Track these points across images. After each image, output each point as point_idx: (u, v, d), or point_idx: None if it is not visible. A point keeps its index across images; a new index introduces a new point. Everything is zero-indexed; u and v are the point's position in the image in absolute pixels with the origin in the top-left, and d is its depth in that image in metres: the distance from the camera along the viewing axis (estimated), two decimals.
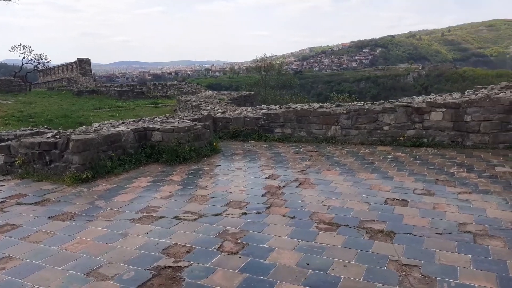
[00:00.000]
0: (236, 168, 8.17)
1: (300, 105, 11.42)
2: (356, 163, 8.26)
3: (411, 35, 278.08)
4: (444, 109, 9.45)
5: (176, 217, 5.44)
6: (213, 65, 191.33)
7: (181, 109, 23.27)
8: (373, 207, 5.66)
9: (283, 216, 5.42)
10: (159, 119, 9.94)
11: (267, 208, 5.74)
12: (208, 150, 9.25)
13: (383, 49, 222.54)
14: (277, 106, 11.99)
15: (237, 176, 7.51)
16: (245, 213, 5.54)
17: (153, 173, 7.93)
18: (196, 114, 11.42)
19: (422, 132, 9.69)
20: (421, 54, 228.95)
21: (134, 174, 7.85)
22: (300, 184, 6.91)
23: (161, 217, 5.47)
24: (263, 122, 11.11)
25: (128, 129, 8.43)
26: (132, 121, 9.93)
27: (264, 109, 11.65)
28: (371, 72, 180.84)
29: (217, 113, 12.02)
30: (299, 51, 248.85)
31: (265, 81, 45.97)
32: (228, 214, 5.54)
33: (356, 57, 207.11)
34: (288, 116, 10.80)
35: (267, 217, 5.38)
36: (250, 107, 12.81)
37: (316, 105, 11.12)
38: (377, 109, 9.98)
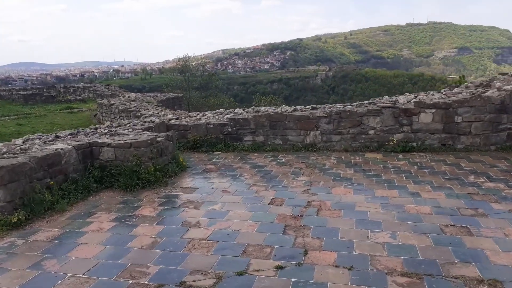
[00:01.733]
0: (222, 191, 6.40)
1: (265, 108, 9.91)
2: (360, 176, 6.99)
3: (317, 38, 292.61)
4: (433, 110, 8.64)
5: (182, 284, 3.60)
6: (122, 66, 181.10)
7: (104, 114, 20.35)
8: (436, 240, 4.37)
9: (335, 266, 3.87)
10: (105, 130, 7.71)
11: (304, 254, 4.14)
12: (174, 167, 7.31)
13: (292, 51, 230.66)
14: (242, 110, 10.34)
15: (231, 204, 5.77)
16: (280, 267, 3.88)
17: (111, 205, 5.84)
18: (146, 122, 9.31)
19: (411, 135, 8.79)
20: (327, 57, 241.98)
21: (85, 209, 5.69)
22: (318, 210, 5.40)
23: (159, 287, 3.58)
24: (229, 129, 9.39)
25: (69, 147, 6.19)
26: (69, 134, 7.56)
27: (228, 114, 9.93)
28: (283, 74, 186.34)
29: (170, 120, 9.99)
30: (213, 52, 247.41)
31: (188, 82, 43.60)
32: (257, 270, 3.84)
33: (268, 60, 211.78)
34: (260, 121, 9.23)
35: (314, 270, 3.79)
36: (209, 111, 10.95)
37: (288, 108, 9.70)
38: (362, 112, 8.87)
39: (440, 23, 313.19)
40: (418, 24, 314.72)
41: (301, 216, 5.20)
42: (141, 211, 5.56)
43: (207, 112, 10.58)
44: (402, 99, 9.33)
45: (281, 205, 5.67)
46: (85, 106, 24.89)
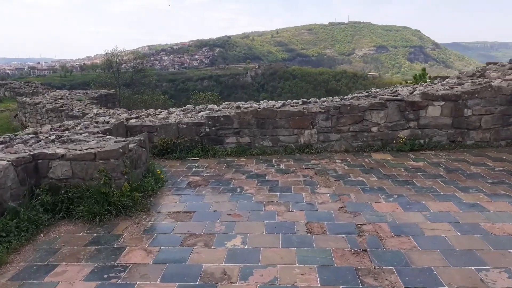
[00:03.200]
0: (230, 215, 4.71)
1: (248, 103, 8.26)
2: (390, 184, 5.69)
3: (245, 36, 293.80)
4: (442, 103, 7.64)
5: None
6: (38, 62, 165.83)
7: (28, 114, 17.20)
8: None
9: None
10: (51, 136, 5.55)
11: None
12: (150, 183, 5.45)
13: (221, 49, 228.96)
14: (221, 106, 8.56)
15: (254, 236, 4.13)
16: None
17: (78, 248, 3.92)
18: (100, 123, 7.21)
19: (418, 132, 7.72)
20: (255, 54, 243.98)
21: (38, 258, 3.72)
22: (380, 239, 3.97)
23: None
24: (207, 130, 7.61)
25: (3, 162, 4.10)
26: None
27: (202, 111, 8.10)
28: (213, 71, 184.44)
29: (128, 119, 7.94)
30: (138, 48, 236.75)
31: (117, 78, 40.03)
32: None
33: (197, 56, 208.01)
34: (246, 119, 7.57)
35: None
36: (175, 108, 8.95)
37: (275, 103, 8.15)
38: (364, 106, 7.61)
39: (359, 22, 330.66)
40: (340, 24, 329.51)
41: (365, 250, 3.73)
42: (127, 257, 3.71)
43: (173, 109, 8.63)
44: (402, 91, 8.23)
45: (324, 233, 4.15)
46: (2, 106, 21.15)
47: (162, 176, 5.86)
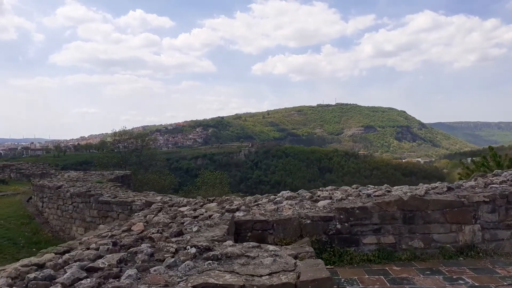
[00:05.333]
0: None
1: (386, 189, 6.45)
2: None
3: (238, 117, 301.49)
4: None
5: None
6: (32, 143, 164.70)
7: (46, 199, 15.04)
8: None
9: None
10: (173, 246, 3.59)
11: None
12: None
13: (214, 128, 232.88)
14: (337, 192, 6.68)
15: None
16: None
17: None
18: (204, 220, 5.27)
19: None
20: (248, 134, 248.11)
21: None
22: None
23: None
24: (339, 226, 5.70)
25: None
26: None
27: (322, 200, 6.22)
28: (207, 149, 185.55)
29: (229, 210, 5.99)
30: (132, 129, 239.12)
31: (125, 157, 38.36)
32: None
33: (191, 136, 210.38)
34: (388, 212, 5.73)
35: None
36: (280, 196, 6.96)
37: (407, 190, 6.35)
38: None
39: (346, 104, 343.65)
40: (328, 105, 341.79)
41: None
42: None
43: (280, 198, 6.67)
44: None
45: None
46: (10, 189, 18.97)
47: None
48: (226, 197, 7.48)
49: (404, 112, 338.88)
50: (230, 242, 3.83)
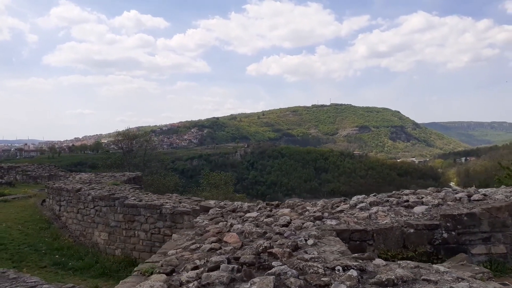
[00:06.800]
0: None
1: (485, 191, 5.82)
2: None
3: (233, 117, 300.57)
4: None
5: None
6: (26, 144, 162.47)
7: (64, 202, 14.23)
8: None
9: None
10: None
11: None
12: None
13: (210, 129, 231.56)
14: (425, 196, 6.02)
15: None
16: None
17: None
18: (306, 231, 4.61)
19: None
20: (243, 134, 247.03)
21: None
22: None
23: None
24: (445, 235, 5.08)
25: None
26: None
27: (418, 206, 5.57)
28: (203, 150, 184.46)
29: (322, 219, 5.33)
30: (127, 129, 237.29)
31: (128, 158, 37.55)
32: None
33: (186, 137, 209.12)
34: (499, 218, 5.12)
35: None
36: (357, 197, 6.27)
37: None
38: None
39: (341, 105, 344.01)
40: (323, 106, 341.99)
41: None
42: None
43: (357, 202, 6.00)
44: None
45: None
46: (20, 191, 18.09)
47: None
48: (291, 201, 6.82)
49: (398, 112, 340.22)
50: (381, 261, 3.18)
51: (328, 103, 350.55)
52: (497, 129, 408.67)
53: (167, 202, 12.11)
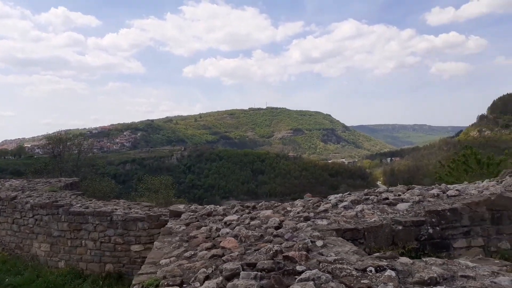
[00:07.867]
0: None
1: (464, 186, 6.00)
2: None
3: (168, 120, 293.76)
4: None
5: None
6: None
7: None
8: None
9: None
10: None
11: None
12: None
13: (143, 132, 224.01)
14: (408, 194, 6.08)
15: None
16: None
17: None
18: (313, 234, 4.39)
19: None
20: (180, 137, 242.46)
21: None
22: None
23: None
24: (430, 230, 5.14)
25: None
26: None
27: (402, 203, 5.60)
28: (136, 154, 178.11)
29: (311, 219, 5.14)
30: (54, 133, 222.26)
31: (59, 164, 34.92)
32: None
33: (117, 140, 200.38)
34: (478, 212, 5.30)
35: None
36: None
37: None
38: None
39: (277, 108, 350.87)
40: (259, 109, 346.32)
41: None
42: None
43: (334, 197, 5.91)
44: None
45: None
46: None
47: None
48: (267, 203, 6.61)
49: (329, 115, 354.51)
50: (407, 259, 3.07)
51: (264, 107, 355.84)
52: (418, 131, 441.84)
53: (116, 209, 11.33)
